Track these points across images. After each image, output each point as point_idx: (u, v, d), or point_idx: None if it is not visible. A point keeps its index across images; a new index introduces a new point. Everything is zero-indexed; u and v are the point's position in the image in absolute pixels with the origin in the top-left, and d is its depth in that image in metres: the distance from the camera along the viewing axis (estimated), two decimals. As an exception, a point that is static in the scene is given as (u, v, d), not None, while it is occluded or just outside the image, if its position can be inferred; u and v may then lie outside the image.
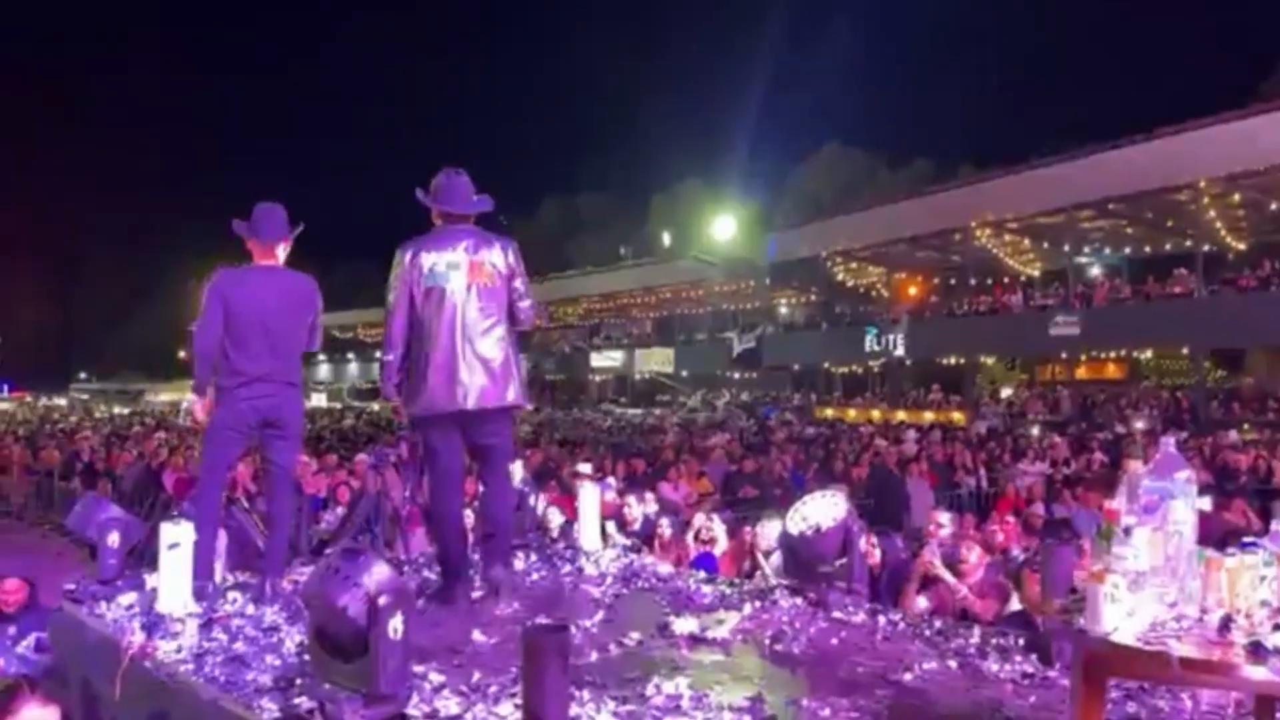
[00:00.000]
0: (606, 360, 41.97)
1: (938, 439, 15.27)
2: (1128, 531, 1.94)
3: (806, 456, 13.42)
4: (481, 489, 4.34)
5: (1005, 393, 29.29)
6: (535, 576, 4.35)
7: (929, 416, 25.35)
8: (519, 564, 4.49)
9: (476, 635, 3.24)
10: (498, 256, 3.82)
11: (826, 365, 33.26)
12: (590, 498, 4.96)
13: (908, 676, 2.91)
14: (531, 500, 5.79)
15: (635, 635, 3.29)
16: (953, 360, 29.60)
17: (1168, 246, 24.51)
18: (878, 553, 5.15)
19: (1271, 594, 1.88)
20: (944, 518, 4.92)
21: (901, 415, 26.23)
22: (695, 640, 3.26)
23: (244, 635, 3.28)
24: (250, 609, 3.62)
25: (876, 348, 30.68)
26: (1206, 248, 23.15)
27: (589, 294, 39.95)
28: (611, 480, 8.39)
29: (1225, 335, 22.26)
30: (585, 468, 8.62)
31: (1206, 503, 2.12)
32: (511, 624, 3.42)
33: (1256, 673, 1.70)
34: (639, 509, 6.22)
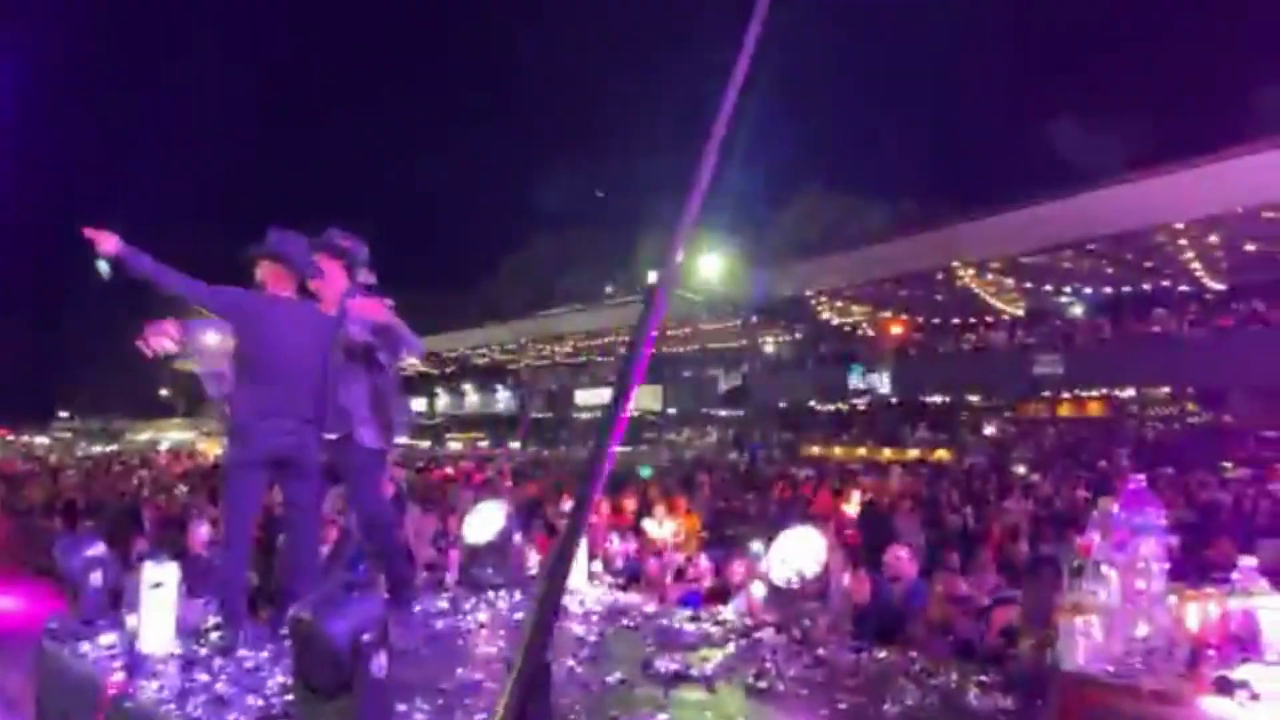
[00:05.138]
0: (592, 398, 41.97)
1: (924, 476, 15.35)
2: (1099, 567, 1.99)
3: (794, 493, 13.44)
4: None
5: (989, 431, 29.45)
6: (519, 616, 4.35)
7: (914, 454, 25.43)
8: (503, 603, 4.50)
9: (460, 672, 3.24)
10: None
11: (812, 403, 33.37)
12: (575, 535, 4.96)
13: (890, 712, 2.93)
14: (516, 538, 5.79)
15: (619, 673, 3.29)
16: (937, 398, 29.78)
17: (1146, 287, 24.85)
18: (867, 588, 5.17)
19: (1239, 628, 1.92)
20: (903, 553, 5.02)
21: (887, 453, 26.32)
22: (679, 678, 3.27)
23: (227, 675, 3.27)
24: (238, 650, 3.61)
25: (862, 386, 30.91)
26: (1185, 288, 23.49)
27: (575, 331, 40.04)
28: (596, 518, 8.37)
29: (1206, 374, 22.52)
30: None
31: (1174, 539, 2.20)
32: (497, 661, 3.42)
33: (1223, 706, 1.74)
34: (622, 546, 6.23)
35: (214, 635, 3.72)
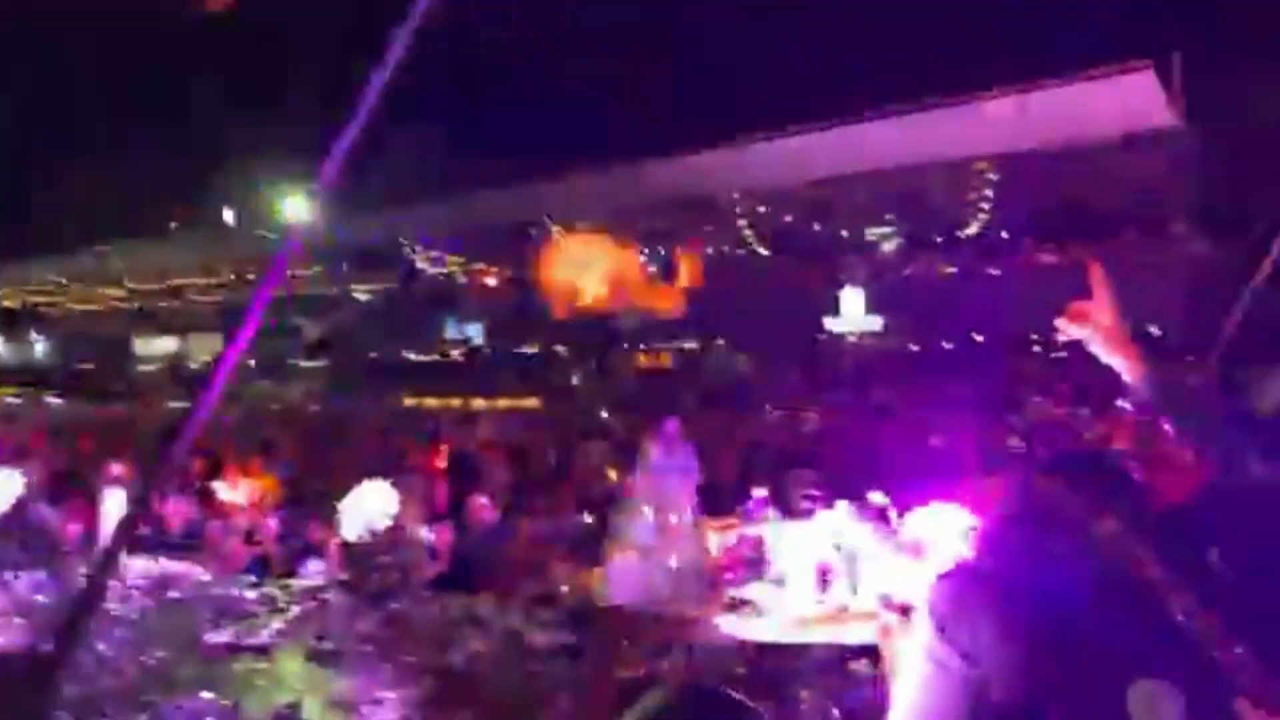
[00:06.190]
0: (155, 348, 37.51)
1: (516, 424, 15.88)
2: (639, 504, 2.14)
3: (384, 446, 13.16)
4: None
5: (575, 380, 31.26)
6: (41, 598, 3.74)
7: (504, 403, 26.20)
8: (21, 586, 3.84)
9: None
10: None
11: (407, 353, 32.97)
12: (114, 503, 4.39)
13: (458, 660, 2.96)
14: (43, 510, 4.98)
15: (160, 653, 2.96)
16: (528, 349, 30.97)
17: (710, 250, 27.93)
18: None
19: (750, 551, 2.19)
20: (483, 500, 5.26)
21: (480, 402, 26.82)
22: (232, 649, 3.03)
23: None
24: None
25: (456, 336, 31.19)
26: (740, 251, 26.78)
27: (134, 271, 35.43)
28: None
29: (752, 330, 26.00)
30: (117, 469, 7.61)
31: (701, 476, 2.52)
32: (-3, 659, 2.91)
33: (733, 622, 1.97)
34: (179, 509, 5.67)
35: None
